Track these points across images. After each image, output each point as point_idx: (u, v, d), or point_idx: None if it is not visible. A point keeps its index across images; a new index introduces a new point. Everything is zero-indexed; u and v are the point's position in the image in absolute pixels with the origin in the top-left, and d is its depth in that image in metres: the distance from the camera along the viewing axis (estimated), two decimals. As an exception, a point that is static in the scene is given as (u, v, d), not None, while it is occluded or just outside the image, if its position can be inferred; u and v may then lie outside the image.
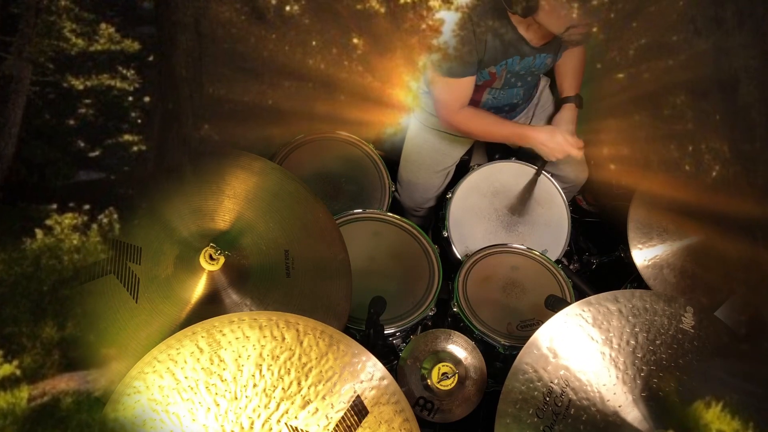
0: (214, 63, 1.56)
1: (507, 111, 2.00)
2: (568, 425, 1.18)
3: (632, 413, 1.20)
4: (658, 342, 1.25)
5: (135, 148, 1.37)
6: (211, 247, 1.27)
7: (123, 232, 1.28)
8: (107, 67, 1.34)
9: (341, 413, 1.08)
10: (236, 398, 1.06)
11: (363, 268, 1.70)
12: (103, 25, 1.34)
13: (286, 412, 1.07)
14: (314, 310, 1.33)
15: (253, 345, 1.10)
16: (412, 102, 1.99)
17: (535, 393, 1.20)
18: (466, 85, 1.75)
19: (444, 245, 1.90)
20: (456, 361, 1.51)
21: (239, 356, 1.09)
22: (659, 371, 1.23)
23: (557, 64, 1.92)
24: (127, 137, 1.36)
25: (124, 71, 1.36)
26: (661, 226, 1.80)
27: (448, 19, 1.62)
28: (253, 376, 1.08)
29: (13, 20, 1.24)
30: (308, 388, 1.09)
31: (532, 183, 1.95)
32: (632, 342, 1.25)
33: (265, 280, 1.35)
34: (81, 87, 1.31)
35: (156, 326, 1.22)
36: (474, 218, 1.92)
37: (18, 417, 1.07)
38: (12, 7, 1.24)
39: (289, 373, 1.09)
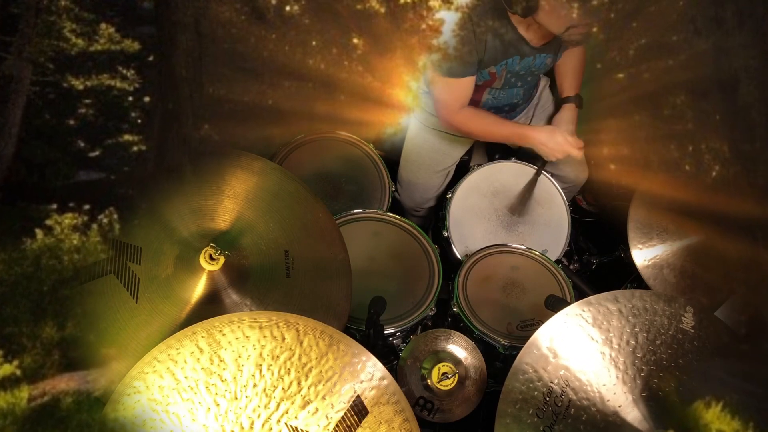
0: (214, 63, 1.56)
1: (507, 111, 2.00)
2: (568, 425, 1.18)
3: (632, 413, 1.20)
4: (658, 342, 1.25)
5: (135, 148, 1.37)
6: (211, 247, 1.27)
7: (123, 232, 1.28)
8: (107, 67, 1.34)
9: (341, 413, 1.08)
10: (236, 398, 1.06)
11: (363, 268, 1.70)
12: (103, 25, 1.34)
13: (286, 412, 1.07)
14: (314, 310, 1.33)
15: (253, 345, 1.10)
16: (412, 102, 1.99)
17: (535, 393, 1.20)
18: (466, 85, 1.75)
19: (444, 245, 1.90)
20: (456, 361, 1.51)
21: (239, 356, 1.09)
22: (659, 371, 1.23)
23: (557, 64, 1.92)
24: (127, 137, 1.36)
25: (124, 71, 1.36)
26: (661, 226, 1.80)
27: (448, 19, 1.62)
28: (253, 376, 1.08)
29: (13, 20, 1.24)
30: (308, 388, 1.09)
31: (532, 183, 1.95)
32: (632, 342, 1.25)
33: (265, 280, 1.35)
34: (81, 87, 1.31)
35: (156, 326, 1.22)
36: (474, 218, 1.92)
37: (18, 417, 1.07)
38: (12, 7, 1.24)
39: (289, 373, 1.09)
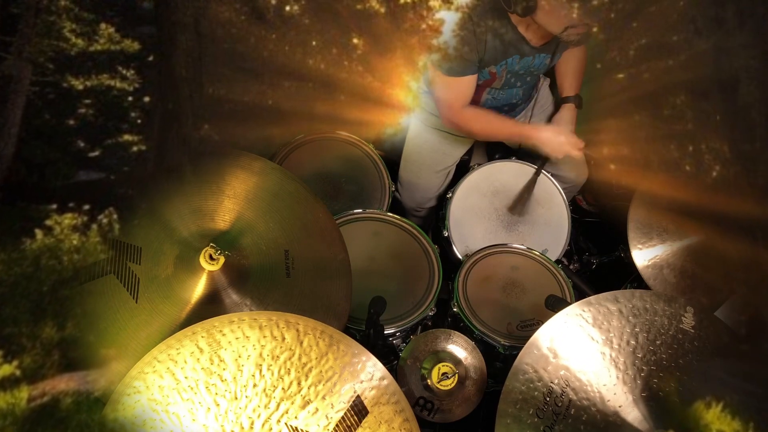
0: (213, 63, 1.56)
1: (506, 111, 2.00)
2: (569, 425, 1.18)
3: (632, 413, 1.20)
4: (658, 342, 1.25)
5: (135, 148, 1.37)
6: (211, 247, 1.27)
7: (123, 233, 1.28)
8: (107, 67, 1.34)
9: (341, 413, 1.08)
10: (236, 398, 1.06)
11: (363, 268, 1.70)
12: (102, 25, 1.34)
13: (286, 412, 1.07)
14: (314, 310, 1.33)
15: (253, 345, 1.10)
16: (412, 102, 1.99)
17: (536, 393, 1.20)
18: (467, 83, 1.75)
19: (444, 245, 1.90)
20: (456, 361, 1.51)
21: (239, 356, 1.09)
22: (659, 371, 1.23)
23: (558, 63, 1.92)
24: (127, 137, 1.36)
25: (124, 71, 1.36)
26: (661, 226, 1.80)
27: (448, 19, 1.62)
28: (253, 376, 1.08)
29: (13, 20, 1.24)
30: (308, 388, 1.09)
31: (532, 182, 1.95)
32: (632, 342, 1.25)
33: (265, 280, 1.35)
34: (81, 87, 1.31)
35: (156, 326, 1.22)
36: (474, 218, 1.92)
37: (18, 417, 1.07)
38: (12, 7, 1.24)
39: (289, 373, 1.09)
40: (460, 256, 1.85)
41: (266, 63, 1.69)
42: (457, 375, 1.46)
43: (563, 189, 2.00)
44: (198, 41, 1.50)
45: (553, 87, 2.12)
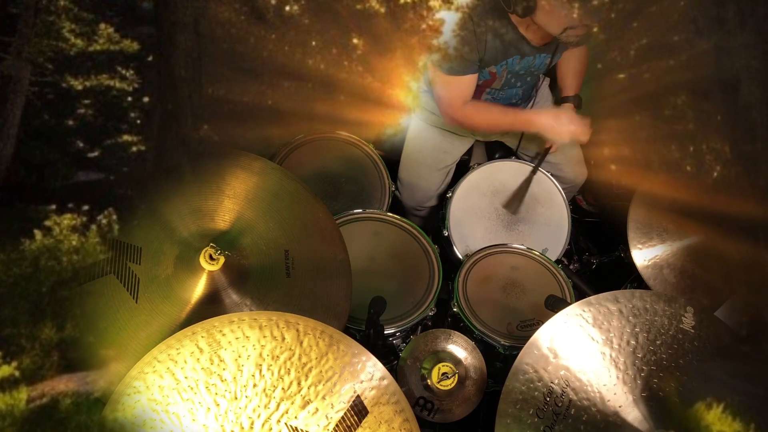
0: (213, 63, 1.56)
1: (506, 111, 1.99)
2: (569, 425, 1.18)
3: (632, 413, 1.19)
4: (658, 342, 1.25)
5: (134, 149, 1.36)
6: (211, 247, 1.27)
7: (122, 233, 1.28)
8: (106, 68, 1.34)
9: (341, 413, 1.08)
10: (236, 398, 1.06)
11: (363, 268, 1.70)
12: (102, 25, 1.34)
13: (286, 412, 1.07)
14: (314, 310, 1.33)
15: (253, 345, 1.10)
16: (412, 102, 1.99)
17: (536, 393, 1.20)
18: (467, 82, 1.74)
19: (444, 245, 1.90)
20: (456, 361, 1.51)
21: (239, 356, 1.09)
22: (659, 371, 1.23)
23: (559, 62, 1.91)
24: (126, 138, 1.36)
25: (124, 71, 1.36)
26: (661, 226, 1.80)
27: (448, 19, 1.62)
28: (253, 376, 1.08)
29: (12, 20, 1.24)
30: (308, 388, 1.09)
31: (528, 181, 1.94)
32: (632, 342, 1.25)
33: (265, 280, 1.35)
34: (80, 87, 1.31)
35: (156, 326, 1.22)
36: (474, 218, 1.92)
37: (17, 418, 1.07)
38: (11, 7, 1.24)
39: (289, 373, 1.09)
40: (460, 256, 1.85)
41: (266, 63, 1.69)
42: (457, 375, 1.45)
43: (563, 189, 2.00)
44: (197, 41, 1.50)
45: (553, 86, 2.11)
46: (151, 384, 1.04)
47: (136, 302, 1.24)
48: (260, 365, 1.09)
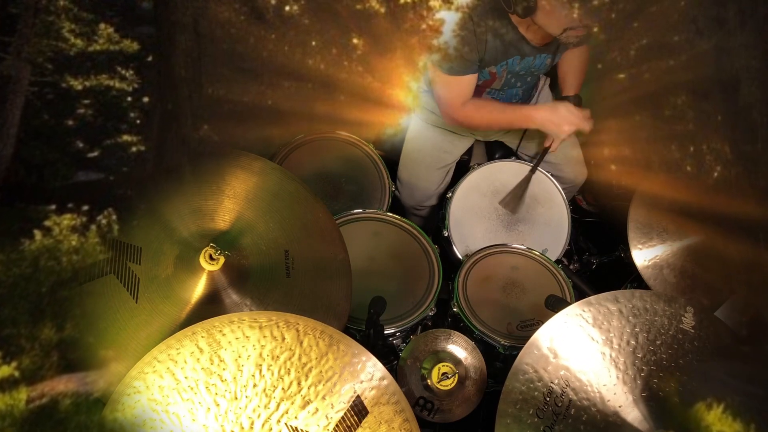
0: (213, 63, 1.56)
1: (506, 111, 1.99)
2: (569, 425, 1.18)
3: (632, 413, 1.19)
4: (658, 342, 1.25)
5: (134, 149, 1.36)
6: (211, 247, 1.27)
7: (122, 233, 1.28)
8: (106, 68, 1.34)
9: (341, 413, 1.08)
10: (236, 398, 1.06)
11: (363, 268, 1.70)
12: (102, 25, 1.34)
13: (286, 412, 1.07)
14: (314, 310, 1.33)
15: (253, 345, 1.10)
16: (412, 102, 1.99)
17: (536, 393, 1.20)
18: (467, 82, 1.74)
19: (444, 245, 1.90)
20: (456, 361, 1.51)
21: (239, 356, 1.09)
22: (659, 371, 1.23)
23: (560, 62, 1.91)
24: (126, 138, 1.36)
25: (123, 71, 1.36)
26: (661, 226, 1.80)
27: (449, 19, 1.62)
28: (253, 376, 1.08)
29: (12, 20, 1.24)
30: (308, 388, 1.09)
31: (527, 180, 1.94)
32: (632, 342, 1.25)
33: (265, 280, 1.35)
34: (80, 87, 1.31)
35: (156, 326, 1.22)
36: (474, 218, 1.92)
37: (16, 419, 1.07)
38: (11, 7, 1.24)
39: (289, 373, 1.09)
40: (460, 256, 1.85)
41: (266, 63, 1.69)
42: (457, 375, 1.45)
43: (563, 189, 2.00)
44: (197, 41, 1.50)
45: (554, 86, 2.11)
46: (151, 384, 1.04)
47: (136, 302, 1.24)
48: (260, 365, 1.09)
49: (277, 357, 1.10)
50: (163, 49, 1.42)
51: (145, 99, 1.37)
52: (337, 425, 1.07)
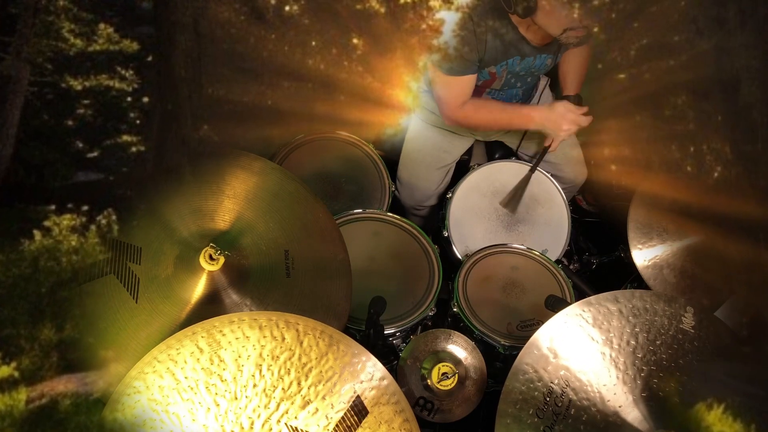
0: (213, 63, 1.56)
1: (506, 111, 1.99)
2: (569, 425, 1.18)
3: (632, 413, 1.19)
4: (658, 342, 1.25)
5: (134, 149, 1.36)
6: (211, 247, 1.27)
7: (122, 233, 1.28)
8: (106, 68, 1.34)
9: (341, 413, 1.08)
10: (236, 398, 1.06)
11: (363, 268, 1.70)
12: (101, 26, 1.33)
13: (286, 412, 1.07)
14: (314, 310, 1.33)
15: (253, 345, 1.10)
16: (412, 102, 1.99)
17: (536, 393, 1.20)
18: (467, 82, 1.74)
19: (444, 245, 1.90)
20: (456, 361, 1.51)
21: (239, 356, 1.09)
22: (659, 371, 1.23)
23: (561, 61, 1.91)
24: (126, 138, 1.36)
25: (123, 71, 1.35)
26: (661, 226, 1.80)
27: (449, 19, 1.61)
28: (253, 376, 1.08)
29: (12, 20, 1.24)
30: (308, 388, 1.09)
31: (526, 179, 1.94)
32: (632, 342, 1.25)
33: (265, 280, 1.35)
34: (79, 87, 1.31)
35: (156, 326, 1.22)
36: (474, 218, 1.92)
37: (16, 419, 1.07)
38: (10, 7, 1.24)
39: (289, 373, 1.09)
40: (460, 256, 1.84)
41: (266, 63, 1.69)
42: (457, 375, 1.45)
43: (563, 189, 2.00)
44: (197, 41, 1.50)
45: (554, 86, 2.11)
46: (151, 384, 1.04)
47: (136, 302, 1.24)
48: (260, 365, 1.09)
49: (277, 357, 1.10)
50: (163, 49, 1.42)
51: (145, 99, 1.37)
52: (337, 425, 1.07)
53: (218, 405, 1.05)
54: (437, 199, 2.18)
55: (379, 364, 1.14)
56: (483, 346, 1.59)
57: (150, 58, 1.39)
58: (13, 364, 1.10)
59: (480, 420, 1.57)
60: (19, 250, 1.18)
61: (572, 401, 1.20)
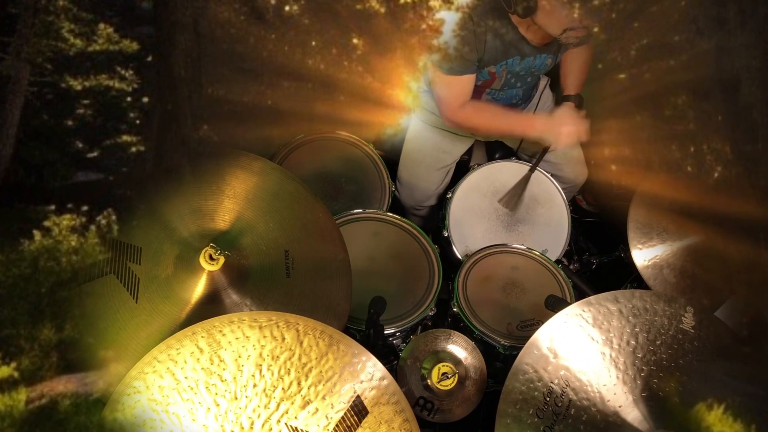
0: (213, 63, 1.56)
1: (506, 111, 1.99)
2: (569, 425, 1.18)
3: (632, 413, 1.19)
4: (658, 342, 1.25)
5: (133, 149, 1.36)
6: (211, 247, 1.27)
7: (121, 233, 1.28)
8: (106, 68, 1.34)
9: (341, 413, 1.08)
10: (236, 398, 1.06)
11: (363, 268, 1.70)
12: (101, 25, 1.33)
13: (286, 412, 1.07)
14: (314, 310, 1.33)
15: (253, 345, 1.10)
16: (412, 102, 1.99)
17: (536, 393, 1.20)
18: (466, 82, 1.74)
19: (444, 245, 1.90)
20: (456, 361, 1.51)
21: (239, 356, 1.09)
22: (659, 371, 1.23)
23: (562, 61, 1.91)
24: (126, 138, 1.36)
25: (123, 71, 1.35)
26: (661, 226, 1.80)
27: (449, 19, 1.61)
28: (253, 376, 1.08)
29: (11, 20, 1.24)
30: (308, 388, 1.09)
31: (526, 178, 1.94)
32: (632, 342, 1.25)
33: (265, 280, 1.35)
34: (79, 87, 1.31)
35: (156, 326, 1.22)
36: (474, 218, 1.92)
37: (16, 419, 1.07)
38: (10, 7, 1.24)
39: (289, 373, 1.09)
40: (460, 256, 1.84)
41: (265, 63, 1.69)
42: (457, 375, 1.45)
43: (563, 189, 2.00)
44: (197, 41, 1.50)
45: (555, 86, 2.11)
46: (151, 384, 1.04)
47: (136, 302, 1.24)
48: (260, 365, 1.09)
49: (277, 357, 1.10)
50: (163, 49, 1.42)
51: (145, 99, 1.37)
52: (337, 425, 1.07)
53: (218, 405, 1.05)
54: (437, 199, 2.18)
55: (379, 364, 1.14)
56: (483, 346, 1.59)
57: (150, 58, 1.39)
58: (13, 365, 1.10)
59: (480, 420, 1.57)
60: (18, 251, 1.18)
61: (572, 401, 1.20)
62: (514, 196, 1.93)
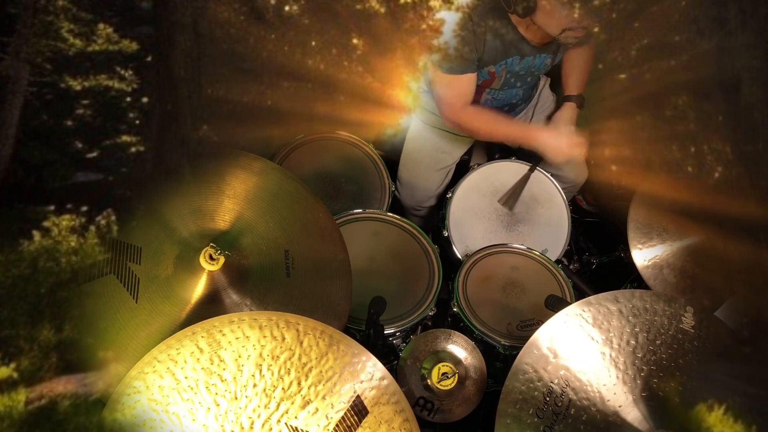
0: (212, 63, 1.56)
1: (506, 111, 1.99)
2: (569, 425, 1.18)
3: (632, 413, 1.19)
4: (658, 342, 1.25)
5: (133, 149, 1.36)
6: (211, 247, 1.27)
7: (121, 234, 1.28)
8: (105, 68, 1.34)
9: (341, 413, 1.08)
10: (236, 398, 1.06)
11: (363, 268, 1.70)
12: (101, 26, 1.33)
13: (286, 412, 1.07)
14: (314, 310, 1.33)
15: (253, 345, 1.10)
16: (412, 102, 1.99)
17: (536, 393, 1.20)
18: (467, 81, 1.74)
19: (444, 245, 1.90)
20: (456, 361, 1.51)
21: (239, 356, 1.09)
22: (659, 371, 1.23)
23: (563, 61, 1.91)
24: (125, 138, 1.36)
25: (122, 72, 1.35)
26: (661, 226, 1.80)
27: (449, 19, 1.61)
28: (253, 376, 1.08)
29: (11, 20, 1.24)
30: (308, 388, 1.09)
31: (526, 178, 1.94)
32: (632, 342, 1.25)
33: (265, 280, 1.35)
34: (79, 87, 1.31)
35: (156, 326, 1.22)
36: (474, 218, 1.92)
37: (15, 420, 1.07)
38: (9, 7, 1.24)
39: (289, 373, 1.09)
40: (460, 256, 1.84)
41: (265, 63, 1.69)
42: (457, 375, 1.45)
43: (563, 189, 2.00)
44: (197, 41, 1.50)
45: (556, 86, 2.11)
46: (151, 384, 1.04)
47: (136, 302, 1.24)
48: (260, 365, 1.09)
49: (277, 357, 1.10)
50: (163, 49, 1.42)
51: (145, 99, 1.37)
52: (337, 425, 1.07)
53: (218, 405, 1.05)
54: (437, 199, 2.18)
55: (379, 364, 1.14)
56: (483, 346, 1.59)
57: (149, 59, 1.39)
58: (13, 365, 1.10)
59: (480, 420, 1.57)
60: (18, 251, 1.18)
61: (572, 401, 1.20)
62: (513, 195, 1.93)
